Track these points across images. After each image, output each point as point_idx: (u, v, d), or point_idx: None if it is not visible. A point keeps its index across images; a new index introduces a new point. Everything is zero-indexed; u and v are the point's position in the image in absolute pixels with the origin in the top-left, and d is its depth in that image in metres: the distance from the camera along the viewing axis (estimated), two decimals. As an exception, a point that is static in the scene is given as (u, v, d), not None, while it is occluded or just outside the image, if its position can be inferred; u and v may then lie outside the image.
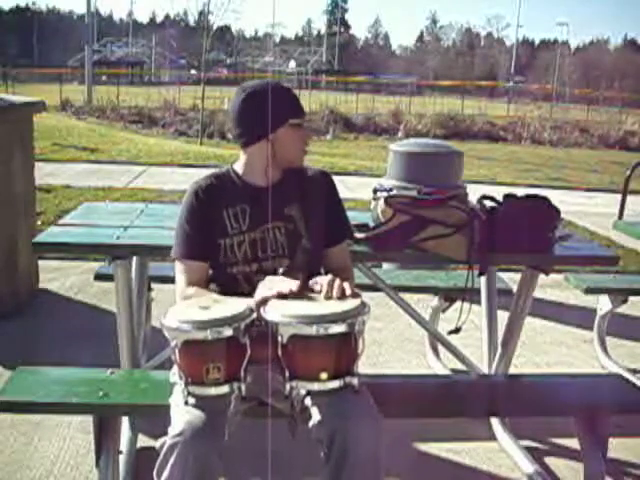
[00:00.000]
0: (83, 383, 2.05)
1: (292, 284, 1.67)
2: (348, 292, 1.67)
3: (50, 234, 2.41)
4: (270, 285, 1.70)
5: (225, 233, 1.90)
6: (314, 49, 58.23)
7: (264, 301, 1.67)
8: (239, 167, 1.98)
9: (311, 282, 1.74)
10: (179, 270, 1.91)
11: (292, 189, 1.95)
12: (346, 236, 2.06)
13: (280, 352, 1.59)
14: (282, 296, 1.66)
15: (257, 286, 1.78)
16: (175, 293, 1.91)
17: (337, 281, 1.69)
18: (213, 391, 1.59)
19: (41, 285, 4.22)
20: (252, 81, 1.98)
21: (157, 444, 1.61)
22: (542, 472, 2.47)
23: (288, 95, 1.95)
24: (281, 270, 1.83)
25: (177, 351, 1.60)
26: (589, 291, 3.44)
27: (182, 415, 1.61)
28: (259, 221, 1.90)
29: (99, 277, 3.09)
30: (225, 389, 1.60)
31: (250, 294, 1.75)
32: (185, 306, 1.70)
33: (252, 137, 1.91)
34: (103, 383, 2.05)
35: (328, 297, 1.67)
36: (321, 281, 1.71)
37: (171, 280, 1.97)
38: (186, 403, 1.61)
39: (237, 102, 1.92)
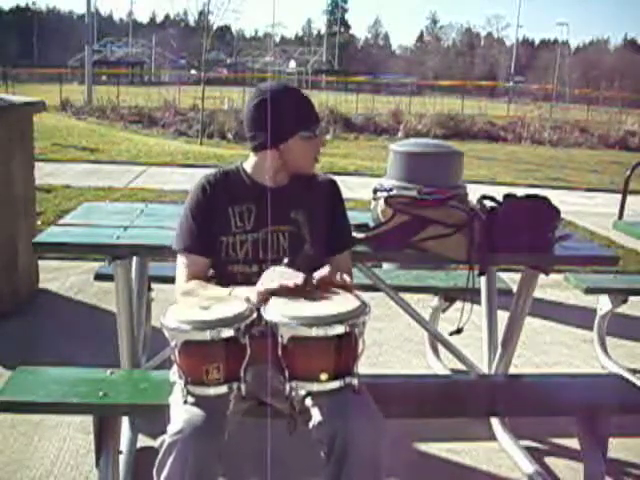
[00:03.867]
0: (83, 383, 2.05)
1: (297, 278, 1.65)
2: (348, 280, 1.67)
3: (50, 234, 2.41)
4: (274, 277, 1.68)
5: (228, 231, 1.89)
6: (314, 49, 58.21)
7: (268, 293, 1.65)
8: (249, 166, 1.97)
9: (315, 275, 1.73)
10: (181, 263, 1.91)
11: (300, 194, 1.94)
12: (349, 245, 2.06)
13: (280, 352, 1.59)
14: (285, 290, 1.64)
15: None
16: (175, 289, 1.90)
17: (338, 273, 1.69)
18: (213, 391, 1.59)
19: (41, 285, 4.22)
20: (269, 84, 1.95)
21: (156, 443, 1.62)
22: (542, 472, 2.47)
23: (302, 105, 1.91)
24: (285, 260, 1.79)
25: (177, 351, 1.59)
26: (589, 291, 3.44)
27: (181, 414, 1.61)
28: (264, 222, 1.88)
29: (99, 277, 3.09)
30: (225, 389, 1.60)
31: None
32: (185, 306, 1.70)
33: (261, 144, 1.90)
34: (103, 383, 2.05)
35: (327, 284, 1.67)
36: (323, 272, 1.71)
37: (171, 280, 1.97)
38: (185, 402, 1.61)
39: (251, 105, 1.90)
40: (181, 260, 1.91)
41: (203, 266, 1.90)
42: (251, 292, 1.70)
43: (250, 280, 1.86)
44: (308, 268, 1.87)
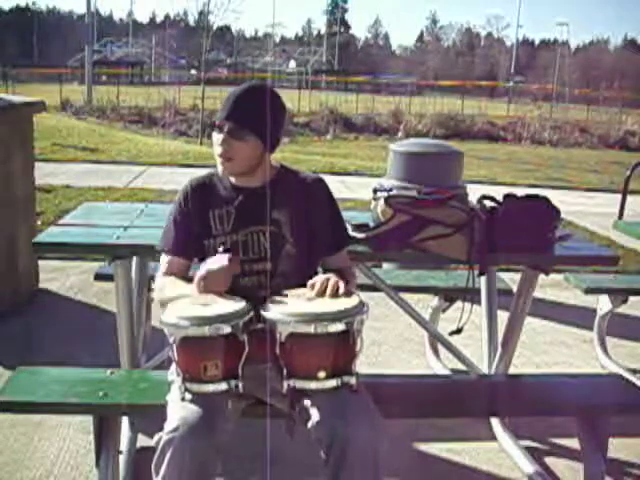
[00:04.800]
0: (83, 383, 2.05)
1: (222, 260, 1.73)
2: (341, 291, 1.68)
3: (50, 234, 2.41)
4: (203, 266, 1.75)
5: (209, 234, 1.91)
6: (314, 49, 58.18)
7: (200, 282, 1.73)
8: None
9: (309, 282, 1.74)
10: (162, 260, 1.97)
11: (282, 193, 1.92)
12: (345, 244, 2.05)
13: (278, 350, 1.60)
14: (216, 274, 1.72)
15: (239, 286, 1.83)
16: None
17: (332, 280, 1.70)
18: (210, 388, 1.60)
19: (41, 285, 4.22)
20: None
21: (154, 440, 1.62)
22: (542, 472, 2.47)
23: (231, 97, 1.86)
24: (220, 249, 1.80)
25: (175, 347, 1.60)
26: (589, 291, 3.43)
27: (178, 411, 1.61)
28: (243, 223, 1.89)
29: (99, 277, 3.09)
30: (223, 386, 1.60)
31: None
32: (184, 303, 1.71)
33: None
34: (103, 383, 2.05)
35: (321, 295, 1.68)
36: (317, 280, 1.72)
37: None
38: (183, 399, 1.61)
39: None
40: (162, 258, 1.97)
41: (180, 266, 1.93)
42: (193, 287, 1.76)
43: (235, 282, 1.86)
44: (291, 267, 1.88)
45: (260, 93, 1.85)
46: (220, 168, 1.89)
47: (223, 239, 1.89)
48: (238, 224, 1.89)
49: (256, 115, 1.80)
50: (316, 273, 1.96)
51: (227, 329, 1.57)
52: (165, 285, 1.89)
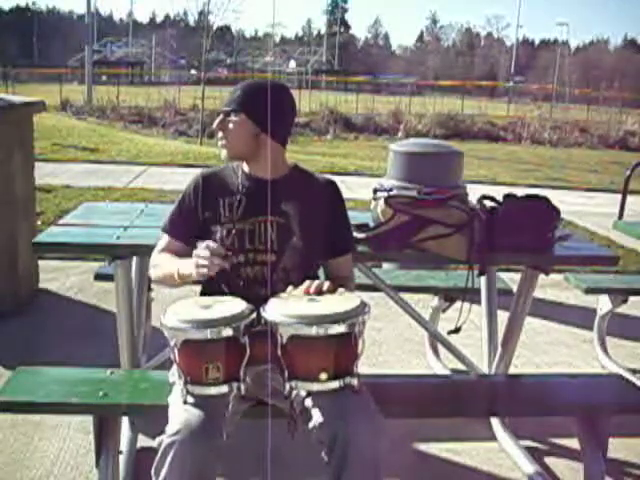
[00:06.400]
0: (83, 383, 2.05)
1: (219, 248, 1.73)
2: (325, 287, 1.70)
3: (50, 234, 2.40)
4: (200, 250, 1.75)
5: (218, 221, 1.92)
6: (314, 49, 58.16)
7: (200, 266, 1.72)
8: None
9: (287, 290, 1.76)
10: (161, 239, 2.02)
11: (294, 188, 1.95)
12: (350, 248, 2.07)
13: (280, 352, 1.59)
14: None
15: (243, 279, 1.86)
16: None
17: (315, 283, 1.71)
18: (212, 391, 1.60)
19: (41, 285, 4.22)
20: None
21: (155, 442, 1.62)
22: (542, 472, 2.47)
23: (241, 86, 1.96)
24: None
25: (176, 350, 1.60)
26: (589, 291, 3.43)
27: (179, 414, 1.61)
28: (251, 213, 1.91)
29: (99, 277, 3.09)
30: (224, 389, 1.60)
31: (238, 285, 1.81)
32: (185, 305, 1.70)
33: None
34: (103, 383, 2.05)
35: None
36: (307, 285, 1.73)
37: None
38: (185, 402, 1.61)
39: None
40: (161, 236, 2.02)
41: (175, 248, 1.97)
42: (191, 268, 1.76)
43: (238, 270, 1.88)
44: (294, 261, 1.89)
45: (262, 84, 1.92)
46: (223, 153, 1.96)
47: (230, 226, 1.90)
48: (247, 212, 1.91)
49: (247, 97, 1.91)
50: (317, 275, 1.97)
51: (228, 332, 1.57)
52: (160, 263, 1.95)
